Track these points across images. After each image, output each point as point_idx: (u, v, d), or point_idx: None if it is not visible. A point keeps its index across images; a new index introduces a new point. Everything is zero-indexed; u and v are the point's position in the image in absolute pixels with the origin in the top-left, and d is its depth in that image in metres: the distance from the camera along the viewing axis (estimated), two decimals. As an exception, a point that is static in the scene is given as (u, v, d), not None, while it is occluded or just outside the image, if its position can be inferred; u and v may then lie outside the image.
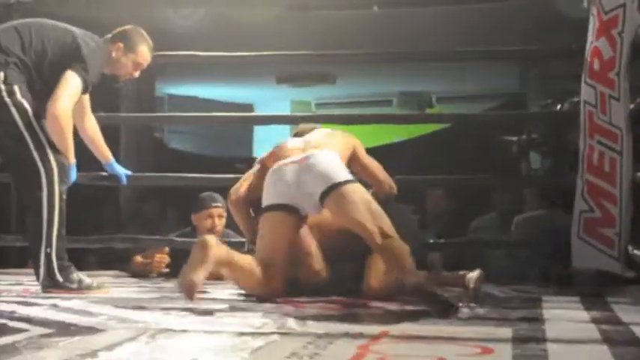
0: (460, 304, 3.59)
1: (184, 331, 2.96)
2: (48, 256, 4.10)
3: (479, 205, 6.57)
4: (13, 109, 4.09)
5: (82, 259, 5.38)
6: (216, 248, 3.72)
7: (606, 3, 4.49)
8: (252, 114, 10.75)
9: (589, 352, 2.68)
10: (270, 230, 3.99)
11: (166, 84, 10.48)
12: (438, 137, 9.51)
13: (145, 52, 4.48)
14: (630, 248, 4.43)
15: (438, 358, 2.43)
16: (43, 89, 4.16)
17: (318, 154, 4.00)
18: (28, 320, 3.11)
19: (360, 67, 9.39)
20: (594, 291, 4.39)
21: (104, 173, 4.97)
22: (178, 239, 5.30)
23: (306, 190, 3.93)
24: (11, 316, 3.23)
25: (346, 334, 2.85)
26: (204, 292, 4.21)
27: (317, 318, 3.32)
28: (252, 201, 4.24)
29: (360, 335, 2.84)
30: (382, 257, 3.82)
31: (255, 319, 3.26)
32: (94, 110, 4.73)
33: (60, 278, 4.11)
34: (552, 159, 6.69)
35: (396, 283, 3.72)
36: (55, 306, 3.57)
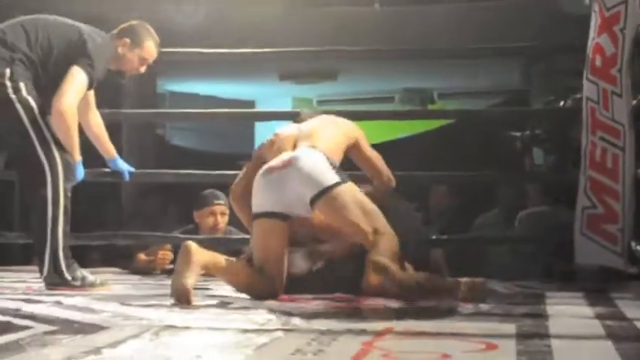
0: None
1: (188, 328, 2.96)
2: (55, 253, 4.10)
3: (482, 201, 6.57)
4: (19, 106, 4.09)
5: (84, 256, 5.38)
6: (198, 253, 3.74)
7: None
8: (254, 110, 10.74)
9: (593, 348, 2.67)
10: (261, 238, 3.99)
11: (168, 81, 10.47)
12: (441, 133, 9.50)
13: (151, 48, 4.48)
14: (633, 244, 4.43)
15: (442, 355, 2.43)
16: (49, 85, 4.16)
17: (303, 158, 3.95)
18: (32, 317, 3.11)
19: (362, 64, 9.39)
20: (598, 287, 4.38)
21: (107, 170, 4.97)
22: (181, 236, 5.30)
23: (295, 196, 3.91)
24: (15, 313, 3.23)
25: (350, 331, 2.85)
26: (207, 289, 4.21)
27: (321, 315, 3.32)
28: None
29: (364, 332, 2.83)
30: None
31: (259, 315, 3.26)
32: (97, 107, 4.72)
33: (68, 276, 4.12)
34: (556, 155, 6.69)
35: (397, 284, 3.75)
36: (58, 303, 3.57)
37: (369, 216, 3.85)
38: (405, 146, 9.45)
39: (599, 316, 3.35)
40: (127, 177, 5.01)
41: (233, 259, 4.04)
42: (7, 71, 4.09)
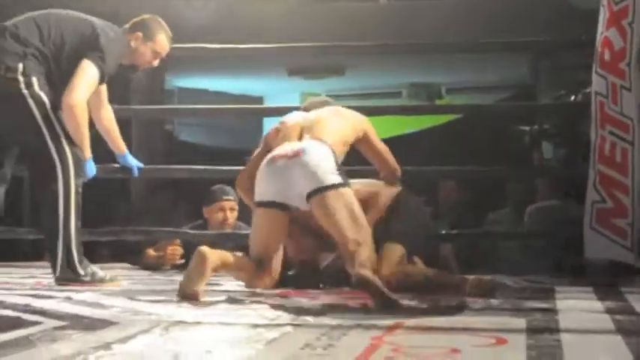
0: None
1: (198, 323, 2.96)
2: (68, 248, 4.11)
3: (492, 196, 6.56)
4: (31, 101, 4.09)
5: (94, 252, 5.39)
6: (212, 259, 3.73)
7: (617, -7, 4.49)
8: (262, 106, 10.75)
9: (603, 343, 2.67)
10: (261, 227, 4.00)
11: (176, 77, 10.47)
12: (448, 128, 9.49)
13: (163, 41, 4.48)
14: (643, 238, 4.42)
15: (452, 349, 2.43)
16: (61, 80, 4.16)
17: (310, 152, 3.93)
18: (42, 313, 3.11)
19: (370, 59, 9.37)
20: (607, 281, 4.38)
21: (116, 165, 4.98)
22: (191, 231, 5.31)
23: (295, 188, 3.90)
24: (25, 308, 3.23)
25: (360, 326, 2.85)
26: (217, 284, 4.22)
27: (331, 309, 3.32)
28: None
29: (374, 326, 2.83)
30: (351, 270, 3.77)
31: (269, 311, 3.26)
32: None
33: (81, 271, 4.13)
34: (565, 150, 6.68)
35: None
36: (68, 299, 3.57)
37: (356, 225, 3.81)
38: (412, 141, 9.43)
39: (608, 311, 3.34)
40: (136, 173, 5.01)
41: (240, 254, 4.05)
42: (20, 66, 4.09)
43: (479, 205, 6.57)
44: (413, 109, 7.83)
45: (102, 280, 4.17)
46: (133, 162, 4.98)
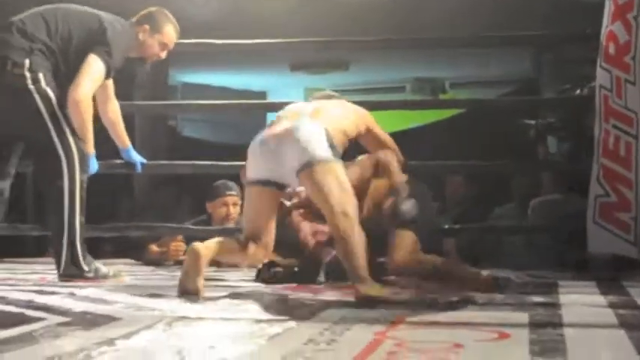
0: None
1: (201, 318, 2.96)
2: (72, 244, 4.11)
3: (497, 190, 6.55)
4: (37, 97, 4.08)
5: (97, 248, 5.40)
6: (205, 253, 3.72)
7: (622, -13, 4.48)
8: (265, 101, 10.74)
9: (606, 337, 2.67)
10: (251, 205, 3.95)
11: (180, 72, 10.47)
12: (452, 123, 9.48)
13: (170, 32, 4.49)
14: (646, 232, 4.42)
15: (454, 344, 2.43)
16: (68, 74, 4.16)
17: (302, 127, 3.85)
18: (45, 309, 3.11)
19: (373, 54, 9.37)
20: (610, 275, 4.38)
21: (119, 161, 4.98)
22: (193, 227, 5.31)
23: (285, 164, 3.82)
24: (28, 304, 3.23)
25: (363, 321, 2.85)
26: (221, 279, 4.22)
27: (334, 304, 3.32)
28: None
29: (377, 321, 2.83)
30: (336, 245, 3.76)
31: (272, 306, 3.26)
32: (112, 98, 4.73)
33: (84, 267, 4.13)
34: (570, 143, 6.66)
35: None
36: (72, 294, 3.57)
37: (345, 196, 3.71)
38: (416, 136, 9.42)
39: (611, 305, 3.34)
40: (139, 168, 5.01)
41: (223, 238, 3.95)
42: (27, 62, 4.09)
43: (485, 199, 6.55)
44: (417, 103, 7.84)
45: (105, 276, 4.18)
46: (137, 157, 4.98)
